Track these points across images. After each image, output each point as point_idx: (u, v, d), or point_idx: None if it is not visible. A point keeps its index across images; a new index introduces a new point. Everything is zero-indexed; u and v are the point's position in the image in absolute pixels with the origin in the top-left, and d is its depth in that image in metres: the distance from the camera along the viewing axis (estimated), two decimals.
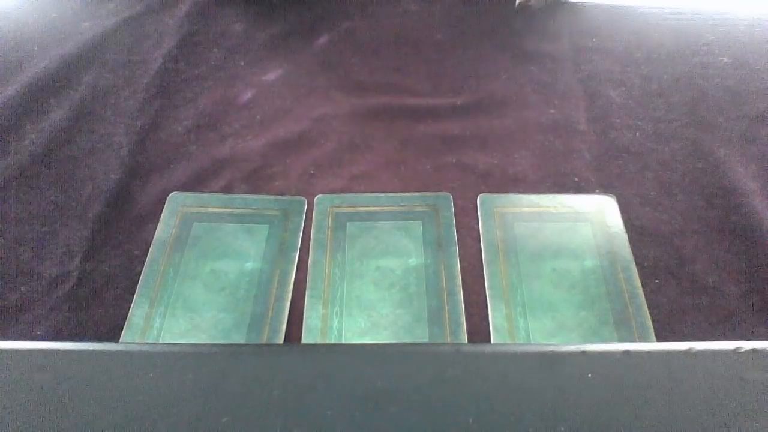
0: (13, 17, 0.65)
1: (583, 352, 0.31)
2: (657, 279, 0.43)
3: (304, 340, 0.38)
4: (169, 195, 0.47)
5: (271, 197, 0.47)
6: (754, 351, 0.30)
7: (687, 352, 0.30)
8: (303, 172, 0.48)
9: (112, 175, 0.49)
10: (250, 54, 0.59)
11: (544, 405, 0.28)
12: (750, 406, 0.28)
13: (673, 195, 0.48)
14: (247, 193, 0.48)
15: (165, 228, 0.44)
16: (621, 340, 0.38)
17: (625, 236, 0.44)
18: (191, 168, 0.50)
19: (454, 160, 0.49)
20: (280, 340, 0.38)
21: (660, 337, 0.39)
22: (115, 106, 0.55)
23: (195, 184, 0.48)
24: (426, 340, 0.38)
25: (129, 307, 0.40)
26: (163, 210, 0.46)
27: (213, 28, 0.62)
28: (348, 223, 0.43)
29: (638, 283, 0.41)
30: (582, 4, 0.66)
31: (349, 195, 0.45)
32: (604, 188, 0.48)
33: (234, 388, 0.29)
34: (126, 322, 0.39)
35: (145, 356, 0.30)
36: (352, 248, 0.43)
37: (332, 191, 0.47)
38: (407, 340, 0.38)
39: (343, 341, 0.38)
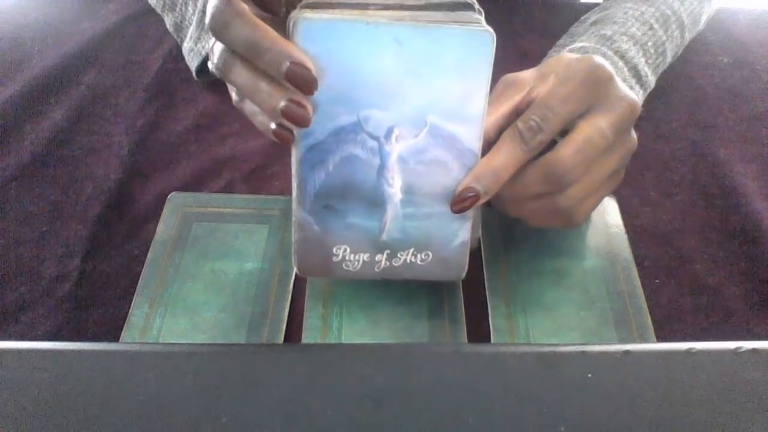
0: (13, 17, 0.65)
1: (583, 352, 0.31)
2: (657, 279, 0.43)
3: (304, 340, 0.38)
4: (169, 195, 0.47)
5: (271, 197, 0.47)
6: (754, 351, 0.30)
7: (687, 352, 0.30)
8: None
9: (112, 175, 0.49)
10: None
11: (544, 405, 0.28)
12: (750, 406, 0.28)
13: (673, 195, 0.48)
14: (247, 193, 0.48)
15: (165, 228, 0.44)
16: (621, 340, 0.38)
17: (625, 236, 0.44)
18: (191, 168, 0.50)
19: None
20: (280, 340, 0.38)
21: (660, 337, 0.39)
22: (115, 106, 0.55)
23: (195, 184, 0.48)
24: (426, 340, 0.38)
25: (129, 307, 0.40)
26: (163, 210, 0.46)
27: None
28: None
29: (638, 283, 0.41)
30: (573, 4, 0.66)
31: None
32: None
33: (234, 388, 0.29)
34: (126, 322, 0.39)
35: (145, 356, 0.30)
36: None
37: None
38: (407, 340, 0.38)
39: (343, 341, 0.38)
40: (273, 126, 0.32)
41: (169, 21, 0.57)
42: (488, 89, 0.31)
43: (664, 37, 0.49)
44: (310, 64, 0.29)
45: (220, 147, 0.51)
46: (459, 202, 0.34)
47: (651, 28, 0.48)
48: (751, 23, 0.64)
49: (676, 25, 0.50)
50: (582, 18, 0.54)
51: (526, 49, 0.60)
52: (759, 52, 0.61)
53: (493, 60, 0.30)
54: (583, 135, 0.34)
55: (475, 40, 0.29)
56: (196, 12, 0.52)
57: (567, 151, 0.34)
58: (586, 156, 0.34)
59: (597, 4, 0.56)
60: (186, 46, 0.54)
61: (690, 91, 0.57)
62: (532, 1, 0.66)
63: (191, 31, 0.53)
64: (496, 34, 0.30)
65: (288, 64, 0.28)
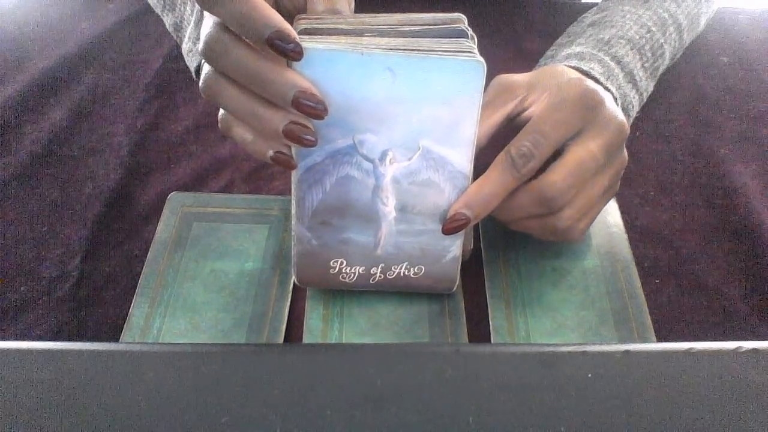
0: (13, 17, 0.65)
1: (583, 352, 0.31)
2: (657, 279, 0.43)
3: (304, 341, 0.38)
4: (169, 195, 0.47)
5: (271, 197, 0.47)
6: (754, 351, 0.30)
7: (687, 352, 0.30)
8: None
9: (112, 175, 0.49)
10: None
11: (544, 405, 0.28)
12: (750, 406, 0.28)
13: (673, 195, 0.48)
14: (247, 193, 0.48)
15: (165, 228, 0.44)
16: (621, 340, 0.38)
17: (625, 236, 0.44)
18: (191, 168, 0.50)
19: None
20: (280, 340, 0.38)
21: (660, 337, 0.39)
22: (115, 106, 0.55)
23: (195, 184, 0.48)
24: (426, 341, 0.38)
25: (129, 307, 0.40)
26: (163, 210, 0.46)
27: None
28: None
29: (638, 283, 0.41)
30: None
31: None
32: None
33: (234, 388, 0.29)
34: (126, 322, 0.39)
35: (145, 356, 0.30)
36: None
37: None
38: (408, 340, 0.38)
39: (344, 341, 0.38)
40: (271, 152, 0.32)
41: (168, 21, 0.57)
42: (479, 115, 0.32)
43: (662, 40, 0.49)
44: (317, 92, 0.30)
45: (220, 147, 0.51)
46: (449, 226, 0.35)
47: (649, 31, 0.49)
48: (751, 23, 0.65)
49: (673, 28, 0.51)
50: (580, 18, 0.54)
51: (526, 49, 0.60)
52: (759, 52, 0.61)
53: (483, 88, 0.31)
54: (575, 159, 0.35)
55: (466, 70, 0.30)
56: (195, 12, 0.52)
57: (559, 175, 0.35)
58: (577, 179, 0.35)
59: (596, 5, 0.56)
60: (185, 46, 0.54)
61: (690, 91, 0.57)
62: (532, 1, 0.66)
63: (190, 30, 0.53)
64: (496, 34, 0.30)
65: (295, 92, 0.29)
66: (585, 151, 0.35)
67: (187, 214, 0.45)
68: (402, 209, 0.35)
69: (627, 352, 0.30)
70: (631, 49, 0.47)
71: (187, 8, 0.54)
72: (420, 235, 0.36)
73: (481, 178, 0.35)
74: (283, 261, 0.43)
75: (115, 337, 0.39)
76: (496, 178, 0.35)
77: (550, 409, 0.28)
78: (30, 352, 0.30)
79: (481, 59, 0.30)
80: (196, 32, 0.52)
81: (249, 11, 0.28)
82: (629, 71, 0.46)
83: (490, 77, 0.35)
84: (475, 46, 0.31)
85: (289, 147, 0.33)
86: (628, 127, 0.38)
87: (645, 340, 0.38)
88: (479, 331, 0.40)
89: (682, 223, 0.46)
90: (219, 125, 0.34)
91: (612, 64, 0.45)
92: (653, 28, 0.49)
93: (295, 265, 0.38)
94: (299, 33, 0.31)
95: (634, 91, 0.46)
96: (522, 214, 0.36)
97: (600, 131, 0.36)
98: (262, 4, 0.28)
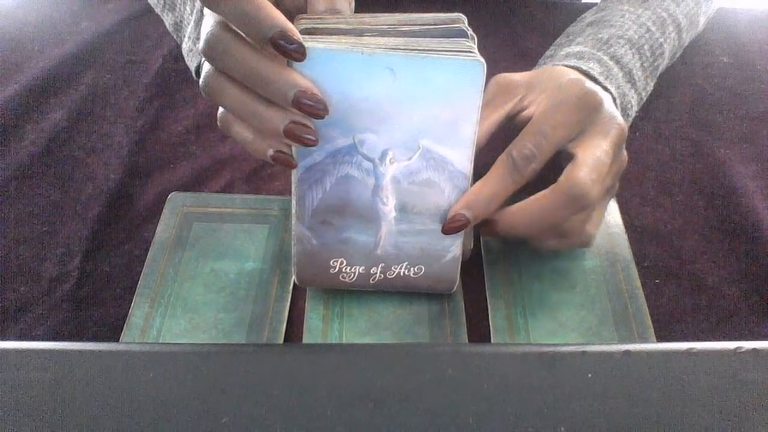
0: (13, 17, 0.65)
1: (583, 352, 0.31)
2: (657, 279, 0.43)
3: (304, 341, 0.38)
4: (169, 195, 0.47)
5: (271, 197, 0.47)
6: (755, 351, 0.30)
7: (687, 352, 0.30)
8: None
9: (112, 175, 0.49)
10: None
11: (544, 405, 0.28)
12: (750, 406, 0.28)
13: (673, 195, 0.48)
14: (247, 193, 0.48)
15: (165, 228, 0.44)
16: (621, 340, 0.38)
17: (625, 236, 0.44)
18: (191, 168, 0.50)
19: None
20: (280, 340, 0.38)
21: (660, 337, 0.39)
22: (115, 106, 0.55)
23: (195, 184, 0.48)
24: (427, 341, 0.38)
25: (129, 307, 0.40)
26: (163, 210, 0.46)
27: None
28: None
29: (638, 283, 0.41)
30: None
31: None
32: None
33: (234, 388, 0.29)
34: (126, 322, 0.39)
35: (145, 356, 0.30)
36: None
37: None
38: (408, 340, 0.38)
39: (344, 341, 0.38)
40: (271, 152, 0.32)
41: (168, 21, 0.57)
42: (479, 115, 0.32)
43: (662, 39, 0.50)
44: (318, 91, 0.30)
45: (220, 147, 0.51)
46: (449, 226, 0.35)
47: (648, 30, 0.49)
48: (751, 23, 0.65)
49: (672, 27, 0.51)
50: (579, 18, 0.54)
51: (526, 49, 0.60)
52: (759, 52, 0.61)
53: (483, 88, 0.31)
54: (593, 156, 0.35)
55: (466, 70, 0.30)
56: (195, 11, 0.52)
57: (583, 171, 0.35)
58: (599, 174, 0.35)
59: (596, 5, 0.56)
60: (185, 46, 0.54)
61: (690, 91, 0.57)
62: (532, 1, 0.66)
63: (190, 30, 0.53)
64: (496, 34, 0.30)
65: (296, 91, 0.29)
66: (599, 148, 0.36)
67: (187, 214, 0.45)
68: (402, 209, 0.35)
69: (627, 352, 0.30)
70: (630, 48, 0.47)
71: (187, 8, 0.54)
72: (420, 235, 0.36)
73: (482, 179, 0.35)
74: (283, 261, 0.43)
75: (115, 337, 0.39)
76: (497, 179, 0.35)
77: (550, 409, 0.28)
78: (30, 352, 0.30)
79: (481, 59, 0.30)
80: (197, 32, 0.52)
81: (253, 10, 0.28)
82: (628, 71, 0.46)
83: (490, 77, 0.35)
84: (475, 46, 0.31)
85: (290, 146, 0.33)
86: (626, 127, 0.38)
87: (645, 340, 0.38)
88: (479, 331, 0.40)
89: (682, 223, 0.46)
90: (219, 124, 0.34)
91: (611, 63, 0.46)
92: (652, 28, 0.49)
93: (295, 265, 0.38)
94: (300, 32, 0.31)
95: (633, 90, 0.47)
96: (555, 218, 0.35)
97: (605, 131, 0.36)
98: (266, 3, 0.28)
